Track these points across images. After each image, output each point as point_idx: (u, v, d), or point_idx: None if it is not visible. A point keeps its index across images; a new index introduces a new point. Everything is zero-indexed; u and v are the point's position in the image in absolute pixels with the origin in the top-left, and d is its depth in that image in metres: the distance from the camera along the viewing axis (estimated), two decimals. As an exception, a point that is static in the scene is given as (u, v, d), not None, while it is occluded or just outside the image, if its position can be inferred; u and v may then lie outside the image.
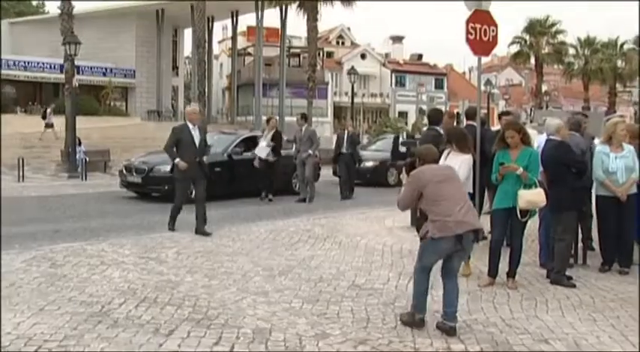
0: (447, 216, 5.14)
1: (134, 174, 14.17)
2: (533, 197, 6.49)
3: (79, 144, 22.55)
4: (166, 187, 13.66)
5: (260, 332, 5.09)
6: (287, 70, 42.02)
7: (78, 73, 26.50)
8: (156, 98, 40.32)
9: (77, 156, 21.89)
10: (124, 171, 14.61)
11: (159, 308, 5.63)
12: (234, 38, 44.80)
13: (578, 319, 5.66)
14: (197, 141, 9.43)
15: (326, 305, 5.91)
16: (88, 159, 22.04)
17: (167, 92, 41.97)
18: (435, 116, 9.33)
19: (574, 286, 6.75)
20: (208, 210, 9.52)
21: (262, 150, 14.01)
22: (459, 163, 6.73)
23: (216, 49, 52.06)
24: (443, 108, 17.82)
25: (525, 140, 6.71)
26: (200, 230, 9.31)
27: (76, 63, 24.11)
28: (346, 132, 15.51)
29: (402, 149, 9.44)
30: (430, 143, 8.00)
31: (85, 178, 20.63)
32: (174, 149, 9.54)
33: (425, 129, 9.05)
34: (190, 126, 9.51)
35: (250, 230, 9.80)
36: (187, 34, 41.77)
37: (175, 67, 44.40)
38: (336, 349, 4.79)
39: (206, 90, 34.12)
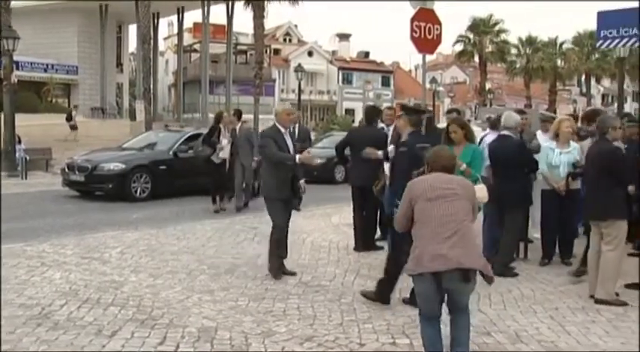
0: (424, 245, 4.13)
1: (77, 172, 13.85)
2: None
3: (19, 142, 21.86)
4: (110, 186, 13.45)
5: (205, 331, 5.05)
6: (234, 67, 41.67)
7: (17, 68, 25.69)
8: (100, 95, 39.44)
9: (17, 155, 21.20)
10: (66, 169, 14.27)
11: (102, 309, 5.52)
12: (180, 34, 44.17)
13: (519, 311, 5.80)
14: (292, 151, 7.09)
15: (272, 302, 5.90)
16: (28, 157, 21.38)
17: (111, 89, 41.09)
18: (373, 113, 8.80)
19: (517, 275, 7.06)
20: (153, 208, 9.36)
21: (226, 150, 12.02)
22: None
23: (161, 45, 51.22)
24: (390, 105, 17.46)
25: (469, 136, 6.85)
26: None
27: (15, 58, 23.34)
28: (292, 126, 12.12)
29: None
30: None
31: (26, 177, 20.01)
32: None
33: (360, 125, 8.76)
34: (282, 130, 7.08)
35: (196, 228, 9.69)
36: (132, 30, 40.95)
37: (120, 64, 43.51)
38: (282, 346, 4.79)
39: (151, 87, 33.57)
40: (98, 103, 39.16)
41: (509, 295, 6.31)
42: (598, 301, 6.04)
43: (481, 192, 6.64)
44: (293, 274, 6.89)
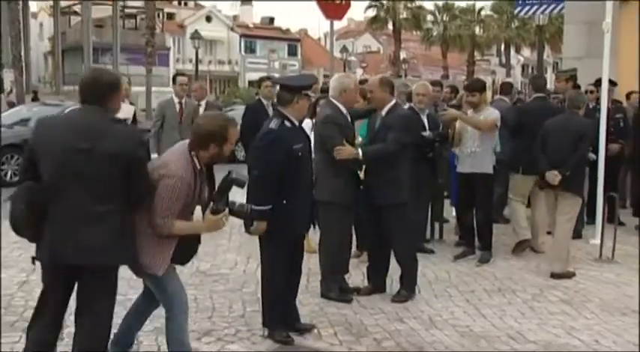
0: None
1: None
2: None
3: None
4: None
5: (88, 331, 4.91)
6: (122, 33, 40.57)
7: None
8: (-42, 64, 37.40)
9: None
10: None
11: (-42, 313, 5.25)
12: (56, -6, 42.52)
13: (433, 295, 5.99)
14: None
15: (165, 295, 5.81)
16: None
17: (-27, 57, 39.05)
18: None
19: (432, 252, 7.47)
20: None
21: None
22: None
23: (33, 6, 49.05)
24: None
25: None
26: None
27: None
28: (191, 102, 9.43)
29: None
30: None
31: None
32: None
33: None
34: (344, 111, 5.87)
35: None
36: (-3, -12, 38.99)
37: (-19, 27, 41.39)
38: (176, 343, 4.73)
39: (22, 54, 32.16)
40: (-43, 73, 37.13)
41: (424, 278, 6.49)
42: (555, 276, 6.51)
43: None
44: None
